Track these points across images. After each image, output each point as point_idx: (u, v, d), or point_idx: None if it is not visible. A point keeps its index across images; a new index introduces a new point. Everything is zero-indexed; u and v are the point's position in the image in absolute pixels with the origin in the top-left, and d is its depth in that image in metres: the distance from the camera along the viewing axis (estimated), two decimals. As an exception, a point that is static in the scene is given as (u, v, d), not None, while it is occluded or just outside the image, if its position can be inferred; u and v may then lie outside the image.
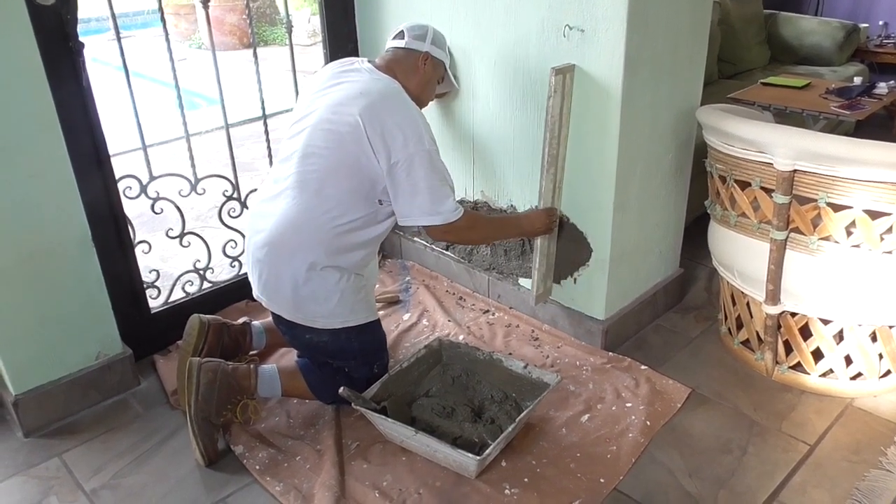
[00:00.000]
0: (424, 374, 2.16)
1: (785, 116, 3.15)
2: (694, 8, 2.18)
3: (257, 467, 1.93)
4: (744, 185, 2.09)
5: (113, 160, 2.15)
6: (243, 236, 2.37)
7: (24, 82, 1.82)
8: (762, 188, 2.03)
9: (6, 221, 1.88)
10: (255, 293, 2.06)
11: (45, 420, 2.10)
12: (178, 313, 2.36)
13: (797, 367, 2.22)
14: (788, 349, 2.22)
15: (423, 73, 2.11)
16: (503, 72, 2.28)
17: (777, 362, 2.24)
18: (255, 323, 2.31)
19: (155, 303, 2.41)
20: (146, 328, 2.34)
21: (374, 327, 2.10)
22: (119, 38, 2.16)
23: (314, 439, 2.02)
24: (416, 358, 2.15)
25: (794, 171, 1.92)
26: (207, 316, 2.20)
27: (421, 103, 2.12)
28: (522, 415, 1.93)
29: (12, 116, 1.82)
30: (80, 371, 2.14)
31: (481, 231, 2.21)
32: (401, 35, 2.11)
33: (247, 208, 2.56)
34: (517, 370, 2.10)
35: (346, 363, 2.06)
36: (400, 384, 2.08)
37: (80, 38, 1.97)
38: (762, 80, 3.61)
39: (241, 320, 2.30)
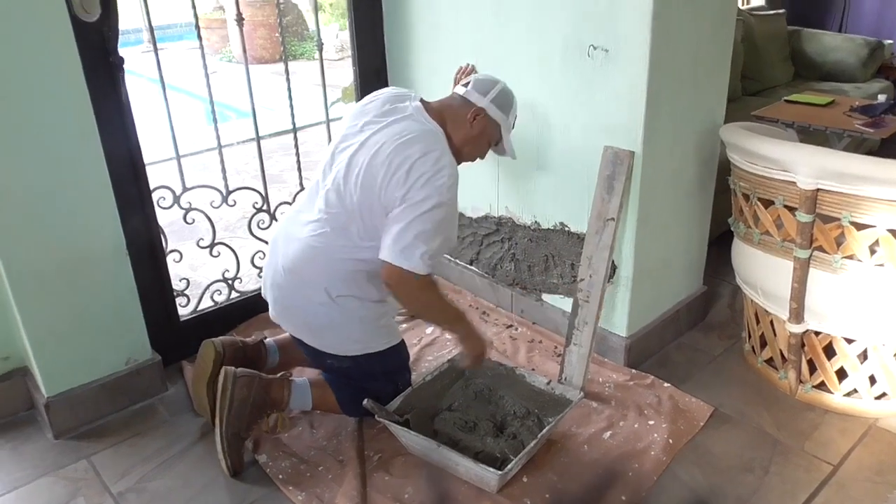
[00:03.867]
0: (447, 387, 2.18)
1: (808, 134, 3.14)
2: (717, 27, 2.20)
3: (280, 476, 1.95)
4: (767, 202, 2.10)
5: (147, 170, 2.20)
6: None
7: (67, 95, 1.89)
8: (785, 206, 2.03)
9: (45, 228, 1.94)
10: (272, 315, 2.07)
11: (75, 422, 2.15)
12: (206, 321, 2.42)
13: (821, 386, 2.21)
14: (812, 368, 2.21)
15: (470, 129, 1.99)
16: (528, 89, 2.31)
17: (800, 381, 2.24)
18: (269, 341, 2.28)
19: (184, 311, 2.46)
20: (175, 335, 2.38)
21: (398, 349, 2.10)
22: (156, 52, 2.23)
23: (337, 450, 2.04)
24: (440, 372, 2.17)
25: (818, 189, 1.93)
26: (221, 340, 2.12)
27: (460, 157, 2.04)
28: (545, 430, 1.94)
29: (55, 127, 1.88)
30: (110, 375, 2.18)
31: (426, 298, 1.96)
32: (467, 83, 2.04)
33: (275, 220, 2.60)
34: (540, 386, 2.11)
35: (370, 384, 2.06)
36: (423, 397, 2.10)
37: (120, 53, 2.03)
38: (786, 98, 3.60)
39: (253, 337, 2.28)
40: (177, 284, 2.40)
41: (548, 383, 2.10)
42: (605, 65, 2.07)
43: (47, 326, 2.03)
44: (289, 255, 1.97)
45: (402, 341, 2.14)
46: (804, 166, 1.92)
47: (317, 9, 2.73)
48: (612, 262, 2.26)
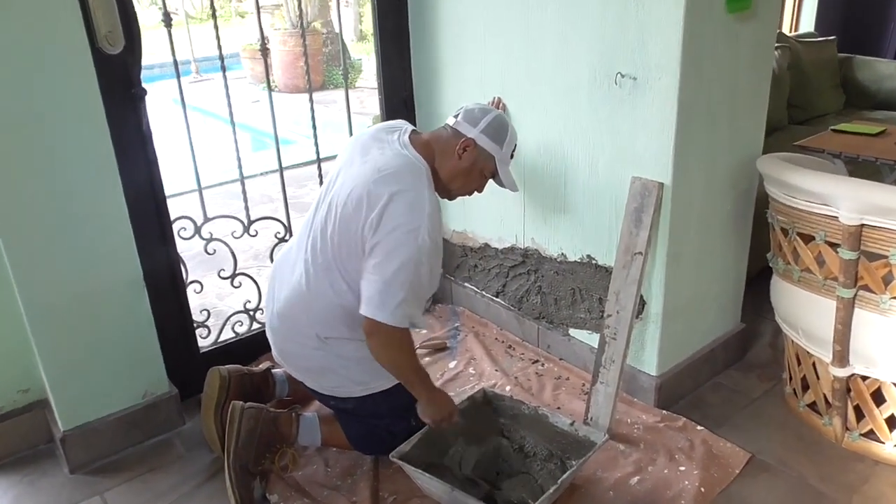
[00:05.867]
0: (468, 425, 2.10)
1: (857, 165, 2.99)
2: (753, 56, 2.10)
3: (292, 517, 1.90)
4: (807, 238, 1.98)
5: (172, 200, 2.20)
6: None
7: (86, 126, 1.89)
8: (827, 242, 1.91)
9: (61, 260, 1.94)
10: (275, 357, 2.05)
11: (91, 457, 2.13)
12: (228, 353, 2.39)
13: (870, 434, 2.06)
14: (860, 415, 2.06)
15: (459, 161, 1.91)
16: (554, 119, 2.25)
17: (847, 429, 2.09)
18: (278, 371, 2.25)
19: (205, 342, 2.44)
20: (195, 368, 2.34)
21: (402, 387, 1.97)
22: (179, 82, 2.26)
23: (350, 490, 1.98)
24: (460, 410, 2.09)
25: (862, 225, 1.81)
26: (227, 367, 2.14)
27: (448, 193, 1.99)
28: (566, 475, 1.84)
29: (72, 159, 1.89)
30: (127, 409, 2.17)
31: (397, 354, 1.85)
32: (458, 114, 1.96)
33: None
34: (563, 427, 2.01)
35: (378, 422, 2.01)
36: (441, 436, 2.02)
37: (144, 85, 2.03)
38: (833, 127, 3.44)
39: (262, 367, 2.25)
40: (198, 316, 2.38)
41: (571, 424, 2.00)
42: (633, 93, 1.99)
43: (63, 359, 2.03)
44: (280, 300, 1.96)
45: None
46: (846, 200, 1.80)
47: (342, 38, 2.75)
48: (641, 297, 2.16)
